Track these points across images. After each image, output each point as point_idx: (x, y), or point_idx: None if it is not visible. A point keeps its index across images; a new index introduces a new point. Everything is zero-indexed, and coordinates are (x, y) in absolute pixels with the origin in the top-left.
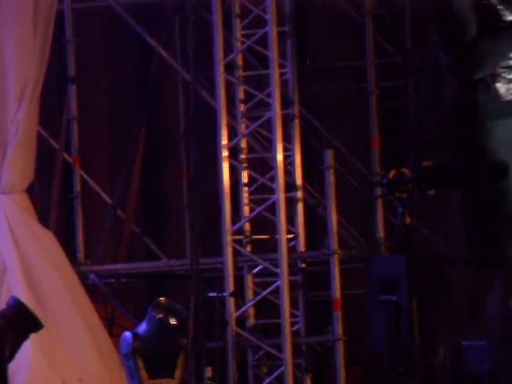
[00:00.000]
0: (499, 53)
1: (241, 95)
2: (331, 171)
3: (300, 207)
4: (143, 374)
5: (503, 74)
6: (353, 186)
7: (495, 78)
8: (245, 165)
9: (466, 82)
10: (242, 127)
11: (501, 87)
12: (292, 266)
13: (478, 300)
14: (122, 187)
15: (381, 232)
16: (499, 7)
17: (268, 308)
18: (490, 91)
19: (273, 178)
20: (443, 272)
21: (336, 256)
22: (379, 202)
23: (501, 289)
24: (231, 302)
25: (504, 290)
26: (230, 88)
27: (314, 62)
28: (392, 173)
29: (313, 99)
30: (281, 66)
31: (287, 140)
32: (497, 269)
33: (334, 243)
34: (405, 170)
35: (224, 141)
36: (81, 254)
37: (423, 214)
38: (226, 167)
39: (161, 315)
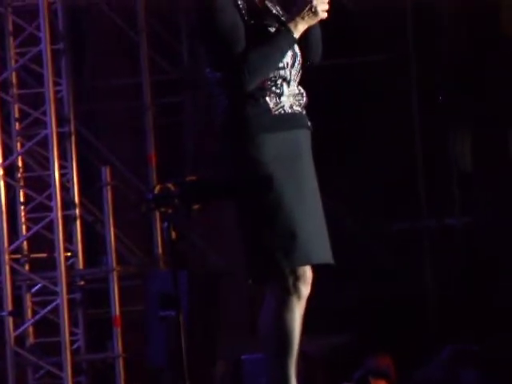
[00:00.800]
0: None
1: (16, 113)
2: (108, 188)
3: (78, 225)
4: None
5: (272, 88)
6: (131, 202)
7: (264, 91)
8: (21, 183)
9: (234, 96)
10: (18, 145)
11: (270, 101)
12: (71, 284)
13: (255, 314)
14: None
15: (159, 247)
16: (265, 21)
17: (48, 326)
18: (259, 105)
19: (50, 196)
20: (220, 286)
21: (115, 273)
22: (157, 217)
23: (274, 302)
24: (10, 322)
25: (278, 303)
26: (4, 106)
27: (91, 80)
28: (157, 188)
29: (90, 116)
30: (56, 84)
31: (64, 158)
32: (269, 283)
33: (113, 260)
34: (170, 185)
35: None
36: None
37: (196, 229)
38: (1, 186)
39: None
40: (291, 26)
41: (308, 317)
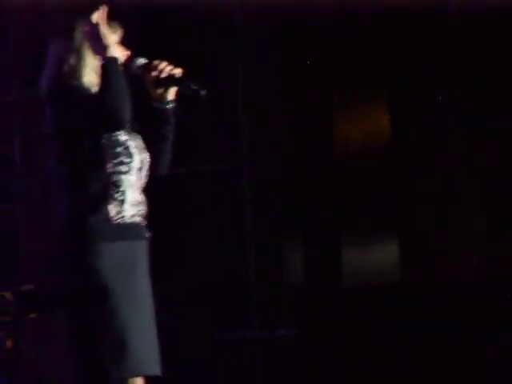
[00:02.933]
0: (109, 172)
1: None
2: None
3: None
4: None
5: (115, 195)
6: None
7: (107, 199)
8: None
9: (77, 202)
10: None
11: (112, 209)
12: None
13: None
14: None
15: None
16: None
17: None
18: (101, 213)
19: None
20: None
21: None
22: None
23: None
24: None
25: None
26: None
27: None
28: None
29: None
30: None
31: None
32: None
33: None
34: (6, 293)
35: None
36: None
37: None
38: None
39: None
40: (112, 53)
41: None
